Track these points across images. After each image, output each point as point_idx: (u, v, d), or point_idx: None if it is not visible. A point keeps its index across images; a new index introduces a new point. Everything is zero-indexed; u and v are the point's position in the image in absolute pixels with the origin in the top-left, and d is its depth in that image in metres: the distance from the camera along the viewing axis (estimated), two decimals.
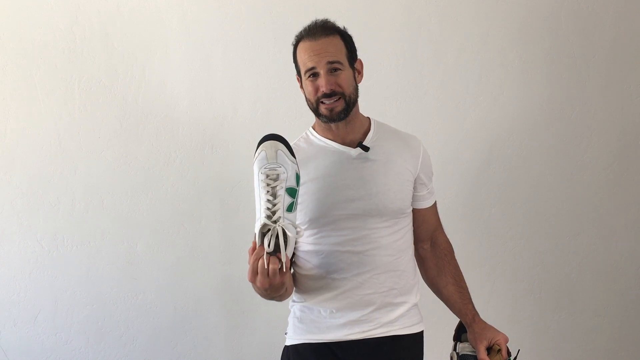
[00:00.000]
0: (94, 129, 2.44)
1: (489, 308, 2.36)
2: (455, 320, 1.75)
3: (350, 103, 1.57)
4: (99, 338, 2.51)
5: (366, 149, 1.59)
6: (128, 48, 2.42)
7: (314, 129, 1.67)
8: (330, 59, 1.53)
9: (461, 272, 1.74)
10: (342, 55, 1.56)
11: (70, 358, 2.50)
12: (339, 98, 1.55)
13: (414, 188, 1.66)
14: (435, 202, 1.76)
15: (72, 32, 2.42)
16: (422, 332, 1.66)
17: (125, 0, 2.41)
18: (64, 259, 2.47)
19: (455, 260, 1.75)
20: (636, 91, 2.38)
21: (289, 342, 1.65)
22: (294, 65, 1.64)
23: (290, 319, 1.67)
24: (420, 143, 1.70)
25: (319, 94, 1.55)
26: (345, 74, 1.56)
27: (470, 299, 1.71)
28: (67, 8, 2.41)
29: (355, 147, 1.60)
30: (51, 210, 2.46)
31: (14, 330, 2.50)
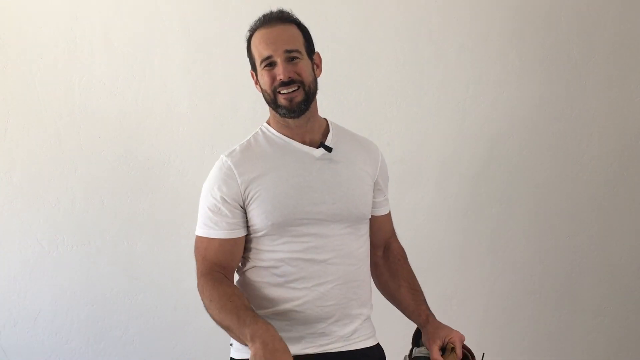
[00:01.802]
0: (94, 129, 2.44)
1: (489, 308, 2.36)
2: (409, 329, 1.65)
3: (310, 94, 1.47)
4: (99, 338, 2.50)
5: (329, 149, 1.51)
6: (128, 48, 2.41)
7: (270, 125, 1.54)
8: (288, 47, 1.44)
9: (416, 278, 1.65)
10: (300, 44, 1.47)
11: (70, 358, 2.50)
12: (298, 87, 1.45)
13: (373, 194, 1.59)
14: (390, 211, 1.69)
15: (72, 32, 2.41)
16: (378, 344, 1.59)
17: (125, 0, 2.41)
18: (64, 259, 2.47)
19: (409, 265, 1.67)
20: (636, 91, 2.38)
21: (236, 356, 1.51)
22: (248, 60, 1.52)
23: None
24: (378, 148, 1.64)
25: (276, 83, 1.44)
26: (304, 63, 1.47)
27: (425, 300, 1.62)
28: (67, 8, 2.41)
29: (317, 147, 1.51)
30: (51, 210, 2.45)
31: (14, 330, 2.49)
